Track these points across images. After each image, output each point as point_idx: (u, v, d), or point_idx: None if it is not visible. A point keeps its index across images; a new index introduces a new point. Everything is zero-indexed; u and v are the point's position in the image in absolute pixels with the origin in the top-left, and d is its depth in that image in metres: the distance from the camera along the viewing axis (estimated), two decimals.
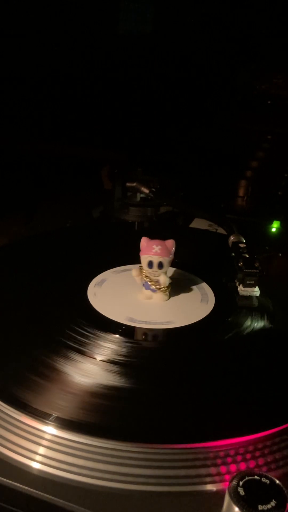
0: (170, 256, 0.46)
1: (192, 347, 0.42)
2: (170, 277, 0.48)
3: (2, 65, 0.90)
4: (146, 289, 0.48)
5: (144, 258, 0.46)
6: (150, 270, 0.46)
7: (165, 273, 0.47)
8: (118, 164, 0.85)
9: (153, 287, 0.47)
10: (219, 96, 0.91)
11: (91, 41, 0.93)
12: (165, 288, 0.47)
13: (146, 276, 0.47)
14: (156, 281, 0.47)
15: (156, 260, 0.46)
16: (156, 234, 0.47)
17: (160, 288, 0.47)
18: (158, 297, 0.47)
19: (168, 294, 0.48)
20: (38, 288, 0.50)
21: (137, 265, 0.48)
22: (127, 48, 0.94)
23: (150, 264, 0.46)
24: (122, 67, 0.94)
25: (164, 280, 0.47)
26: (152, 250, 0.46)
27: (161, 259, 0.46)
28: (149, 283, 0.47)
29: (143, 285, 0.48)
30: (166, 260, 0.46)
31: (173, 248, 0.46)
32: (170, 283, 0.47)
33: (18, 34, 0.91)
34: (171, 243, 0.46)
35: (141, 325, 0.43)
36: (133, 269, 0.48)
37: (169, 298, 0.48)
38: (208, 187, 0.86)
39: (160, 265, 0.46)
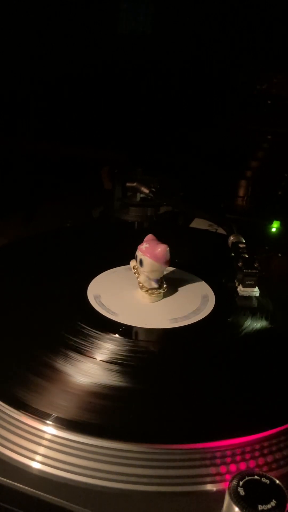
0: (155, 260, 0.45)
1: (192, 347, 0.42)
2: (168, 278, 0.48)
3: (2, 64, 0.90)
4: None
5: (136, 251, 0.47)
6: (137, 264, 0.47)
7: (146, 274, 0.46)
8: (118, 164, 0.85)
9: (140, 285, 0.47)
10: (219, 96, 0.91)
11: (92, 40, 0.93)
12: (147, 290, 0.47)
13: (136, 272, 0.47)
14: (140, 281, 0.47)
15: (139, 255, 0.46)
16: (156, 234, 0.47)
17: (142, 288, 0.47)
18: (145, 298, 0.47)
19: (154, 297, 0.47)
20: (38, 288, 0.50)
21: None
22: (127, 48, 0.94)
23: (136, 258, 0.46)
24: (122, 67, 0.94)
25: (142, 279, 0.47)
26: (141, 246, 0.46)
27: (142, 257, 0.45)
28: (137, 279, 0.47)
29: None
30: (147, 260, 0.45)
31: (163, 255, 0.45)
32: (160, 289, 0.47)
33: (18, 33, 0.91)
34: (160, 250, 0.45)
35: (141, 325, 0.43)
36: (133, 259, 0.48)
37: (158, 301, 0.47)
38: (208, 187, 0.86)
39: (141, 263, 0.46)
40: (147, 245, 0.45)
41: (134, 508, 0.29)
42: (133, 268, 0.48)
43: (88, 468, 0.31)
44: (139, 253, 0.46)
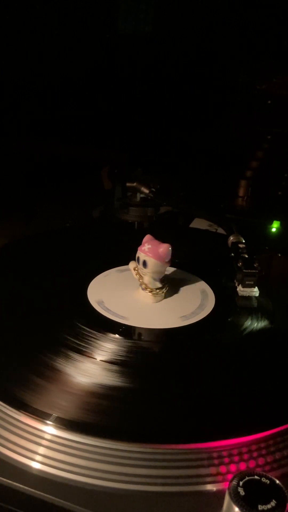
0: (159, 260, 0.45)
1: (192, 347, 0.42)
2: (168, 279, 0.48)
3: (2, 64, 0.90)
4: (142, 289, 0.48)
5: (137, 253, 0.46)
6: (139, 266, 0.46)
7: (151, 274, 0.46)
8: (118, 164, 0.85)
9: (142, 286, 0.47)
10: (219, 96, 0.91)
11: (92, 40, 0.93)
12: (152, 290, 0.47)
13: (137, 274, 0.47)
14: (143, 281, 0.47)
15: (142, 257, 0.45)
16: (156, 234, 0.47)
17: (146, 289, 0.47)
18: (148, 298, 0.47)
19: (158, 296, 0.47)
20: (38, 288, 0.50)
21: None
22: (127, 48, 0.94)
23: (138, 260, 0.46)
24: (122, 66, 0.94)
25: (147, 280, 0.46)
26: (142, 247, 0.45)
27: (145, 258, 0.45)
28: (139, 281, 0.47)
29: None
30: (151, 260, 0.45)
31: (166, 254, 0.45)
32: (163, 288, 0.47)
33: (18, 33, 0.91)
34: (163, 250, 0.45)
35: (141, 325, 0.43)
36: (132, 261, 0.48)
37: (161, 300, 0.47)
38: (208, 187, 0.86)
39: (144, 264, 0.45)
40: (149, 246, 0.45)
41: (134, 508, 0.29)
42: (134, 269, 0.48)
43: (88, 468, 0.31)
44: (141, 255, 0.45)
